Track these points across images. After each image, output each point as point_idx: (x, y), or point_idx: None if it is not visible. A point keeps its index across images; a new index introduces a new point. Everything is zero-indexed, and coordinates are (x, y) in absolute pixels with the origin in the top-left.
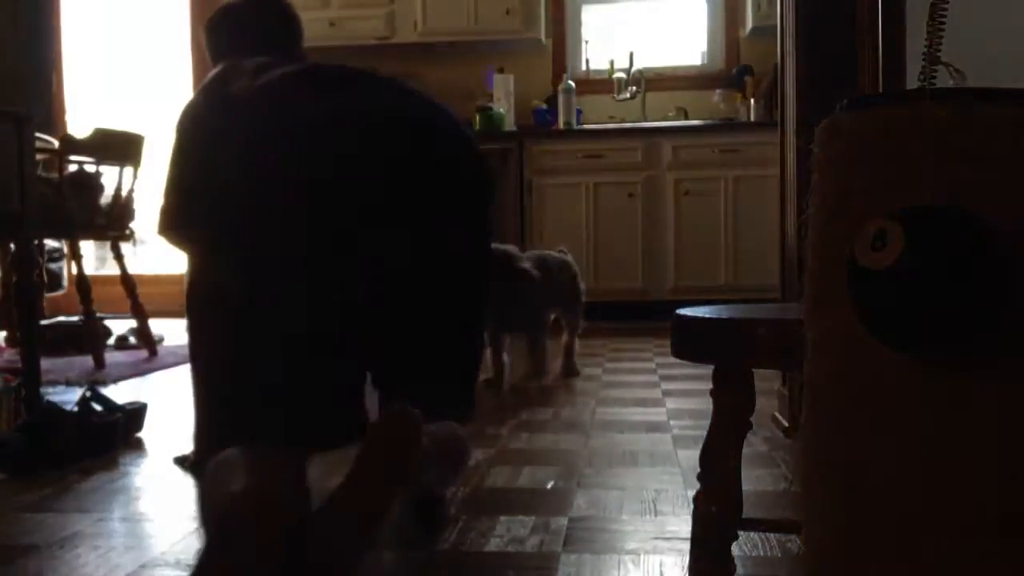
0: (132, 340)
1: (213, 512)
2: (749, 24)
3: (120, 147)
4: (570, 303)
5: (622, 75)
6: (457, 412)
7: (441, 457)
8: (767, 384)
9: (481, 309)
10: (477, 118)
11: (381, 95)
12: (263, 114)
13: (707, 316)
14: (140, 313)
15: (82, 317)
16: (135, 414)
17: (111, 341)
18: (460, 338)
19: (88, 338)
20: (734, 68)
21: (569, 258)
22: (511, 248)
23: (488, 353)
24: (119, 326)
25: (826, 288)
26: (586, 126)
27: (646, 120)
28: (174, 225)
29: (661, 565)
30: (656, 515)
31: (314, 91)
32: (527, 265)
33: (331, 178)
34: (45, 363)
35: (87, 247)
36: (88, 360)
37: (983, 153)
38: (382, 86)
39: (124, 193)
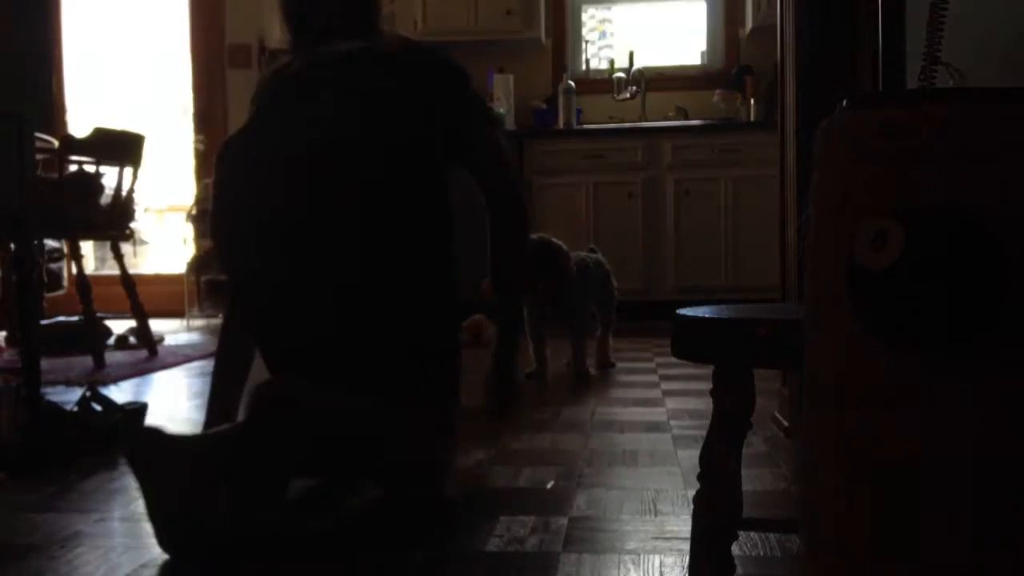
0: (132, 340)
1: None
2: (749, 24)
3: (120, 147)
4: (605, 300)
5: (622, 75)
6: (417, 405)
7: (415, 455)
8: (767, 384)
9: (434, 306)
10: None
11: (345, 104)
12: (255, 126)
13: (707, 316)
14: (140, 313)
15: (82, 317)
16: (135, 414)
17: (111, 341)
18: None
19: (88, 338)
20: (734, 68)
21: (601, 257)
22: (559, 243)
23: (530, 347)
24: (119, 326)
25: (826, 288)
26: (586, 126)
27: (646, 120)
28: (212, 231)
29: (661, 565)
30: (656, 515)
31: (290, 101)
32: (571, 264)
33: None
34: (45, 363)
35: (87, 247)
36: (88, 360)
37: (983, 153)
38: (355, 91)
39: (124, 193)
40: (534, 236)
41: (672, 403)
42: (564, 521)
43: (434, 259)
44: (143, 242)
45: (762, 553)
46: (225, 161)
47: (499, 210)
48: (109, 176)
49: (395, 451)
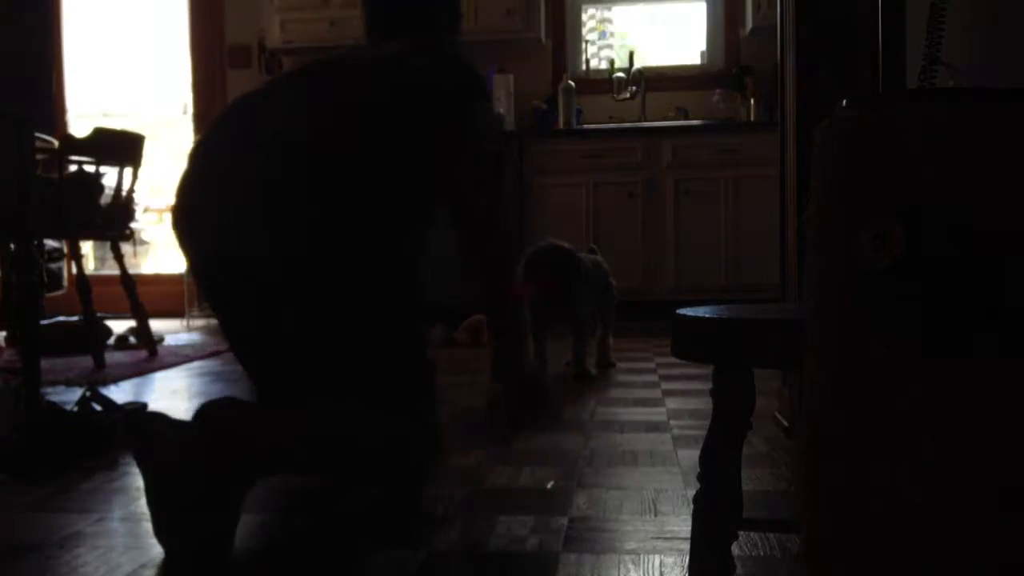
0: (132, 340)
1: None
2: (749, 24)
3: (120, 147)
4: (604, 301)
5: (622, 75)
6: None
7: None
8: (767, 384)
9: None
10: None
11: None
12: (226, 125)
13: (707, 316)
14: (140, 313)
15: (82, 317)
16: (135, 414)
17: (111, 341)
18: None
19: (88, 338)
20: (734, 68)
21: (600, 258)
22: (570, 248)
23: (531, 347)
24: (119, 326)
25: (826, 288)
26: (586, 126)
27: (646, 120)
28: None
29: (661, 565)
30: (656, 515)
31: (262, 102)
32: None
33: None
34: (45, 363)
35: (87, 247)
36: (88, 360)
37: (983, 153)
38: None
39: (124, 193)
40: (544, 242)
41: (672, 403)
42: (564, 521)
43: (397, 262)
44: (143, 242)
45: (762, 553)
46: (193, 157)
47: (473, 229)
48: (109, 176)
49: (363, 454)
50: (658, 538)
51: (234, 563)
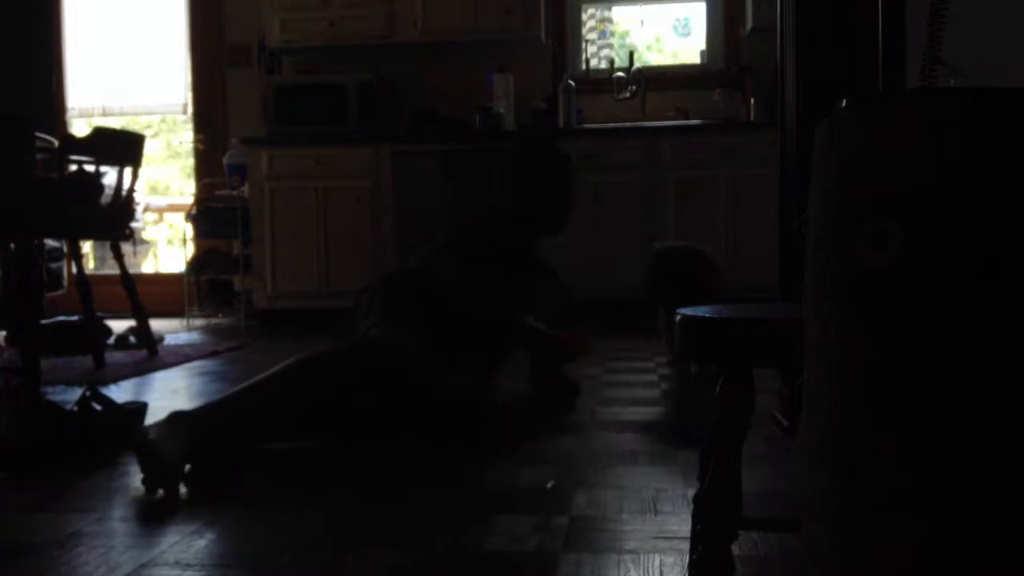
0: (132, 340)
1: None
2: (749, 24)
3: (120, 147)
4: None
5: (622, 75)
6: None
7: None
8: (767, 384)
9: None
10: (477, 118)
11: None
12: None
13: (707, 316)
14: (140, 313)
15: (82, 317)
16: (135, 414)
17: (111, 341)
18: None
19: (88, 338)
20: (734, 68)
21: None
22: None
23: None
24: (119, 326)
25: (826, 288)
26: (586, 126)
27: (646, 120)
28: None
29: (661, 565)
30: (656, 515)
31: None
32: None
33: None
34: (45, 363)
35: (87, 247)
36: (88, 360)
37: (983, 153)
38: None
39: (124, 193)
40: (681, 245)
41: (672, 403)
42: (564, 521)
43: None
44: (143, 242)
45: (762, 553)
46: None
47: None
48: (109, 176)
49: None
50: (658, 538)
51: (235, 561)
